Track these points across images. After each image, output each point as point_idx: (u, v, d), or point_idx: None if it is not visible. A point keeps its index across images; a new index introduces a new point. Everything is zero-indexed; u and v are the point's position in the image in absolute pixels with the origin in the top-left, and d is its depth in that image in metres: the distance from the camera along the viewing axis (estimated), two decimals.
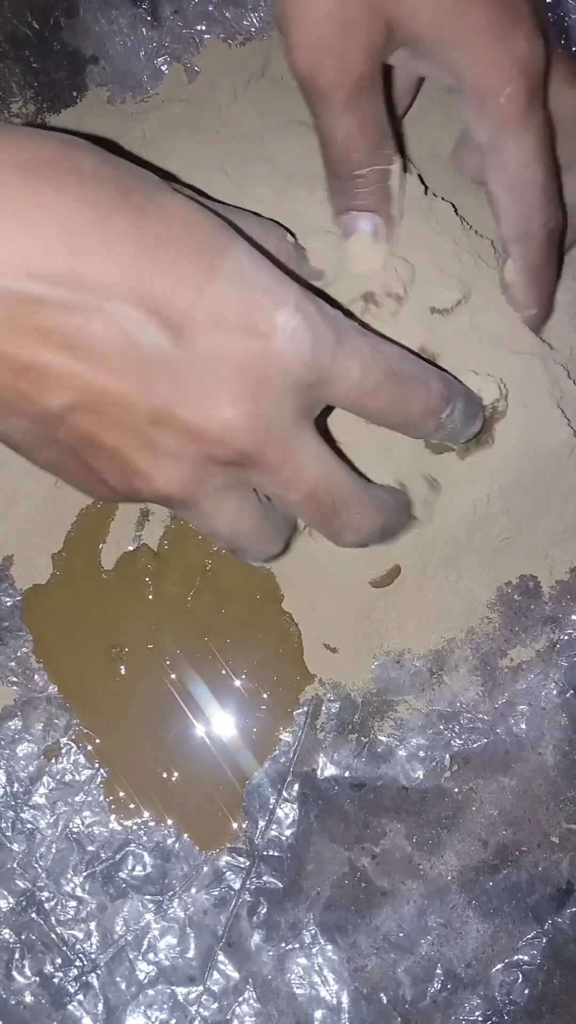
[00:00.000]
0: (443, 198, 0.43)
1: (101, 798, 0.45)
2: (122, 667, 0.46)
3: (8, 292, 0.28)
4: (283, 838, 0.45)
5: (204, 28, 0.50)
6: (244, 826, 0.45)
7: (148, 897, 0.44)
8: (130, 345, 0.30)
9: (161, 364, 0.31)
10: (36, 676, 0.46)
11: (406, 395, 0.35)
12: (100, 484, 0.35)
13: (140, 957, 0.44)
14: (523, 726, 0.47)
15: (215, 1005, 0.44)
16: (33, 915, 0.44)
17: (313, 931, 0.45)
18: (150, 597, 0.46)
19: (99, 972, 0.44)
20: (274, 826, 0.45)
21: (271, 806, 0.46)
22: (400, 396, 0.34)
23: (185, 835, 0.45)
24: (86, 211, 0.29)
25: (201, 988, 0.44)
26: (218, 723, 0.46)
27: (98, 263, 0.29)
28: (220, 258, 0.31)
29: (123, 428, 0.32)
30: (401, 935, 0.45)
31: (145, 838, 0.45)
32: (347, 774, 0.46)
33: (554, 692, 0.47)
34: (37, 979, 0.43)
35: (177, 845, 0.45)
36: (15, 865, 0.44)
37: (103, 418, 0.31)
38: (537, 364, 0.44)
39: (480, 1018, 0.44)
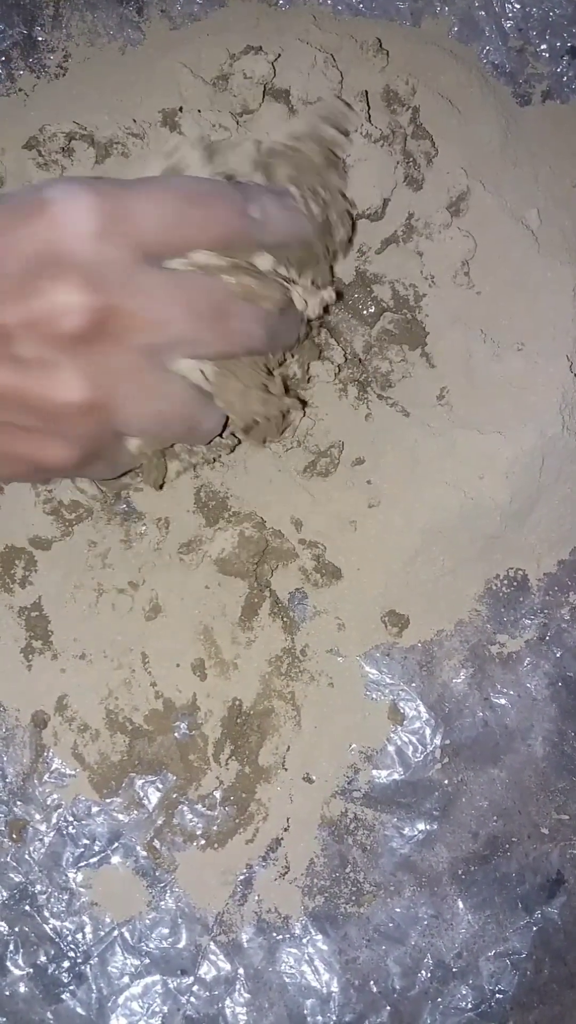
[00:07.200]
0: None
1: (93, 793, 0.45)
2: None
3: None
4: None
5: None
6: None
7: (140, 890, 0.45)
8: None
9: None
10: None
11: (210, 206, 0.36)
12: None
13: (132, 948, 0.44)
14: (513, 717, 0.47)
15: (206, 995, 0.44)
16: (27, 908, 0.44)
17: (304, 922, 0.45)
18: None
19: (92, 963, 0.44)
20: None
21: None
22: (205, 209, 0.36)
23: (176, 826, 0.45)
24: None
25: (192, 979, 0.44)
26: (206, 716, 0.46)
27: None
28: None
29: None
30: (391, 926, 0.45)
31: (136, 831, 0.45)
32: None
33: (543, 683, 0.47)
34: (31, 970, 0.44)
35: (168, 837, 0.45)
36: (9, 859, 0.45)
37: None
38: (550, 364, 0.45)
39: (469, 1007, 0.44)
